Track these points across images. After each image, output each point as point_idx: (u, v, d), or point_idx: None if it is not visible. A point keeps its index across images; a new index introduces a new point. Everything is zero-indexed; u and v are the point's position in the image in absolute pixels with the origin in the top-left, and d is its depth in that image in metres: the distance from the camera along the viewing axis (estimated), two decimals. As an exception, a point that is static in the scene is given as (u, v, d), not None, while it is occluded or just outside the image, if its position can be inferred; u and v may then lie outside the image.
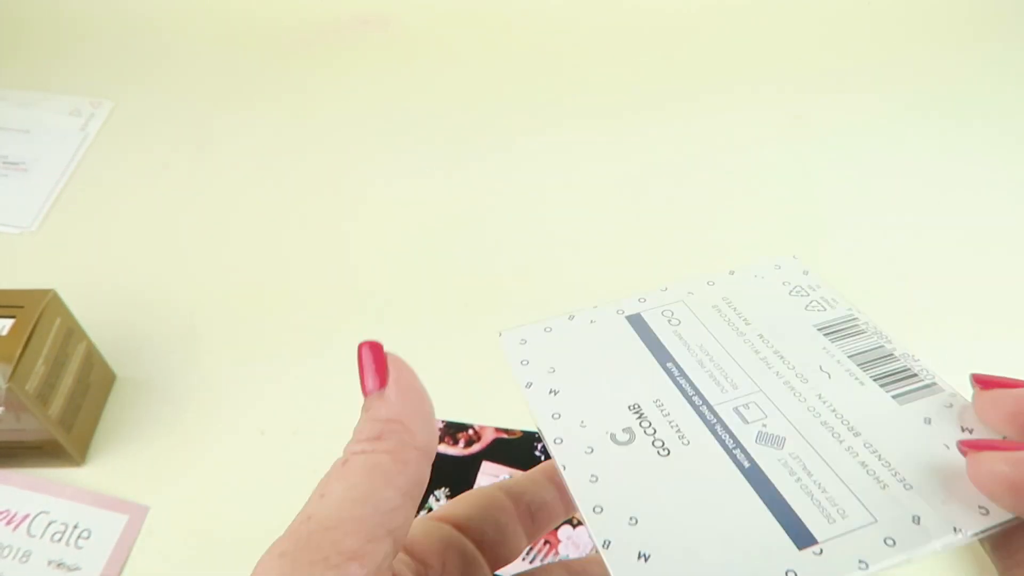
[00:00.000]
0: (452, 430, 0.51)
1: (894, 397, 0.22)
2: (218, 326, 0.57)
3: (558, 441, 0.21)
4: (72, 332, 0.48)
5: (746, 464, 0.20)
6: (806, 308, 0.25)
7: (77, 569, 0.45)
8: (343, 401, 0.53)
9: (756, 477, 0.20)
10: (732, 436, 0.21)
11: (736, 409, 0.21)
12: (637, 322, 0.24)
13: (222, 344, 0.56)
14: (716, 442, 0.21)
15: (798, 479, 0.20)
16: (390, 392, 0.21)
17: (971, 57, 0.78)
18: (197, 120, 0.72)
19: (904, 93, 0.74)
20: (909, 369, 0.23)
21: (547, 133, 0.71)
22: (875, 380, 0.23)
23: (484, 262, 0.61)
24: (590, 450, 0.20)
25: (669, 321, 0.24)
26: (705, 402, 0.22)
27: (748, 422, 0.21)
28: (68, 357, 0.47)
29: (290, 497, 0.49)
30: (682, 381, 0.22)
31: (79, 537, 0.46)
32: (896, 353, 0.24)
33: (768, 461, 0.20)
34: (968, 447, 0.19)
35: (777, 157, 0.69)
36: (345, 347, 0.55)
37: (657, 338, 0.24)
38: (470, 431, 0.51)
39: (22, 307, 0.44)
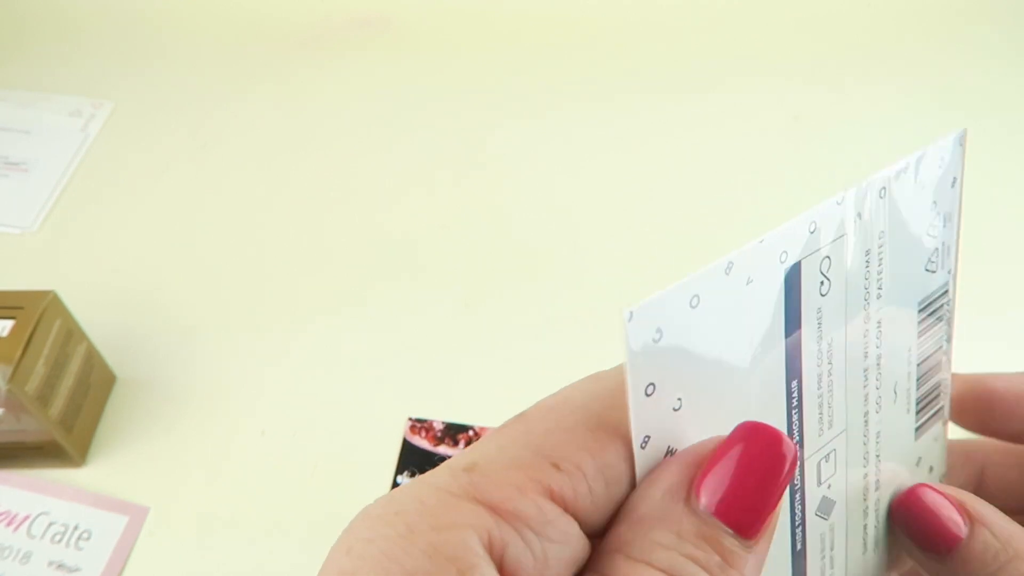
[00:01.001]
0: (452, 431, 0.51)
1: (915, 430, 0.20)
2: (219, 327, 0.57)
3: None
4: (72, 333, 0.48)
5: (798, 547, 0.17)
6: (927, 263, 0.20)
7: (77, 570, 0.45)
8: (344, 402, 0.53)
9: (798, 564, 0.17)
10: (802, 507, 0.17)
11: (819, 463, 0.17)
12: (792, 281, 0.16)
13: (223, 345, 0.56)
14: (788, 519, 0.16)
15: (823, 557, 0.17)
16: (759, 548, 0.14)
17: (972, 54, 0.78)
18: (198, 120, 0.72)
19: (905, 91, 0.74)
20: (940, 387, 0.21)
21: (549, 134, 0.71)
22: (916, 405, 0.20)
23: (485, 262, 0.61)
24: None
25: (821, 285, 0.17)
26: (800, 458, 0.17)
27: (820, 483, 0.17)
28: (68, 358, 0.47)
29: (291, 498, 0.50)
30: (795, 415, 0.17)
31: (79, 538, 0.46)
32: (943, 363, 0.21)
33: (813, 540, 0.17)
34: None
35: (777, 153, 0.69)
36: (345, 347, 0.55)
37: (799, 332, 0.17)
38: (471, 432, 0.51)
39: (22, 308, 0.44)
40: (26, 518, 0.47)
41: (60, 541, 0.46)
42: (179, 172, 0.68)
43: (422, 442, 0.51)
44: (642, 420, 0.14)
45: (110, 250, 0.62)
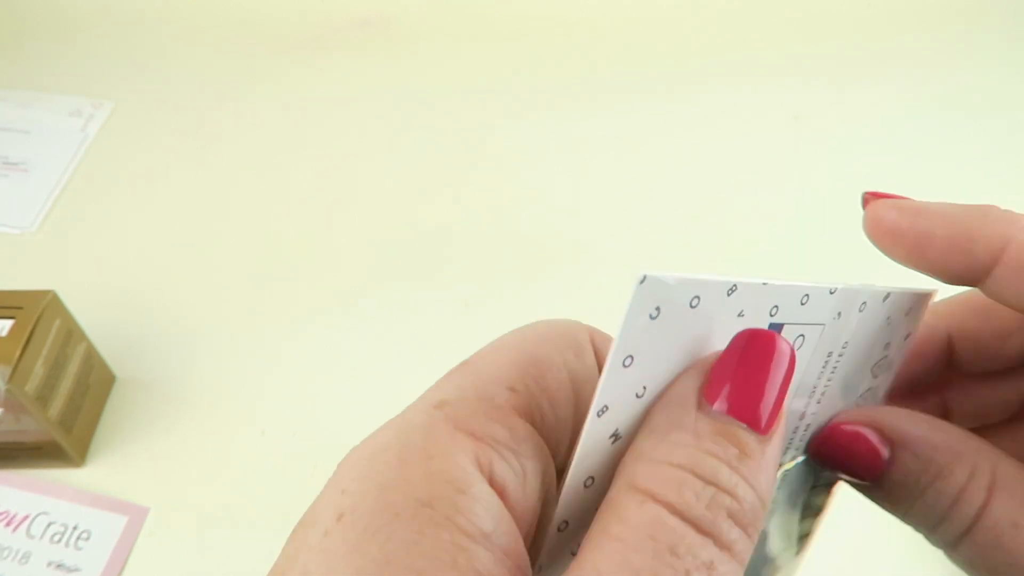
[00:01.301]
0: (452, 431, 0.51)
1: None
2: (218, 327, 0.57)
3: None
4: (72, 333, 0.48)
5: None
6: (872, 370, 0.21)
7: (77, 570, 0.45)
8: (344, 402, 0.53)
9: None
10: None
11: None
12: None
13: (223, 345, 0.56)
14: None
15: None
16: (775, 438, 0.14)
17: (972, 53, 0.77)
18: (198, 121, 0.72)
19: (905, 91, 0.74)
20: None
21: (549, 132, 0.71)
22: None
23: (486, 261, 0.61)
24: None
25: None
26: None
27: None
28: (68, 358, 0.47)
29: (291, 498, 0.49)
30: None
31: (79, 538, 0.46)
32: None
33: None
34: (868, 195, 0.18)
35: (777, 153, 0.69)
36: (346, 347, 0.55)
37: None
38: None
39: (21, 308, 0.44)
40: (25, 518, 0.47)
41: (59, 541, 0.46)
42: (179, 172, 0.68)
43: (422, 442, 0.51)
44: (608, 389, 0.14)
45: (110, 250, 0.62)
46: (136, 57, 0.78)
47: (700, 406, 0.14)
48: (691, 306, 0.15)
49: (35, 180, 0.66)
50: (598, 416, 0.14)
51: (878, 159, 0.69)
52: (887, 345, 0.21)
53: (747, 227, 0.63)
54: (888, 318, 0.20)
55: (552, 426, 0.16)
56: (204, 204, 0.65)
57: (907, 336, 0.21)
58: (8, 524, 0.46)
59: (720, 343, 0.15)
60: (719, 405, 0.14)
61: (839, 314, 0.18)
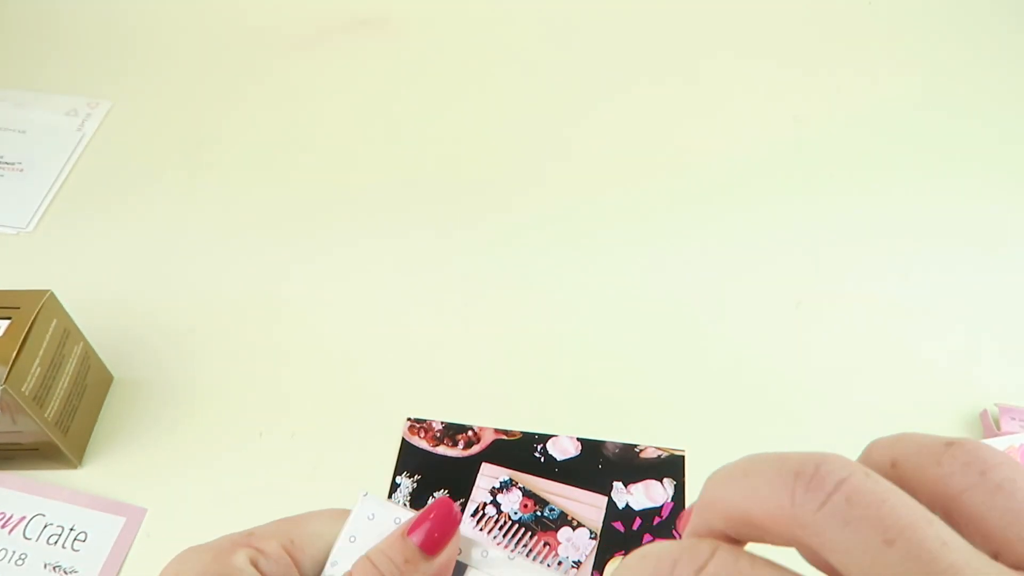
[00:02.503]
0: (451, 431, 0.51)
1: None
2: (216, 327, 0.56)
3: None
4: (69, 333, 0.47)
5: None
6: None
7: (74, 572, 0.45)
8: (341, 404, 0.53)
9: None
10: None
11: None
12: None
13: (220, 345, 0.55)
14: None
15: None
16: (439, 562, 0.23)
17: (972, 53, 0.77)
18: (195, 120, 0.72)
19: (903, 91, 0.74)
20: None
21: (548, 131, 0.71)
22: None
23: (483, 264, 0.61)
24: None
25: None
26: None
27: None
28: (65, 358, 0.47)
29: (288, 499, 0.49)
30: None
31: (76, 540, 0.46)
32: None
33: None
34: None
35: (776, 158, 0.69)
36: (344, 347, 0.55)
37: None
38: (469, 432, 0.51)
39: (18, 308, 0.44)
40: (22, 520, 0.46)
41: (56, 543, 0.46)
42: (176, 171, 0.68)
43: (421, 442, 0.51)
44: (338, 552, 0.25)
45: (107, 250, 0.62)
46: (133, 56, 0.78)
47: (403, 536, 0.23)
48: (394, 521, 0.25)
49: (31, 180, 0.66)
50: (331, 565, 0.24)
51: (876, 160, 0.69)
52: None
53: (742, 229, 0.63)
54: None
55: (308, 570, 0.24)
56: (201, 204, 0.65)
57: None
58: (4, 526, 0.46)
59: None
60: (414, 537, 0.23)
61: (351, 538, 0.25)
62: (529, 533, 0.47)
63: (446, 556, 0.23)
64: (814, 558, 0.16)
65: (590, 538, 0.47)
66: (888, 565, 0.13)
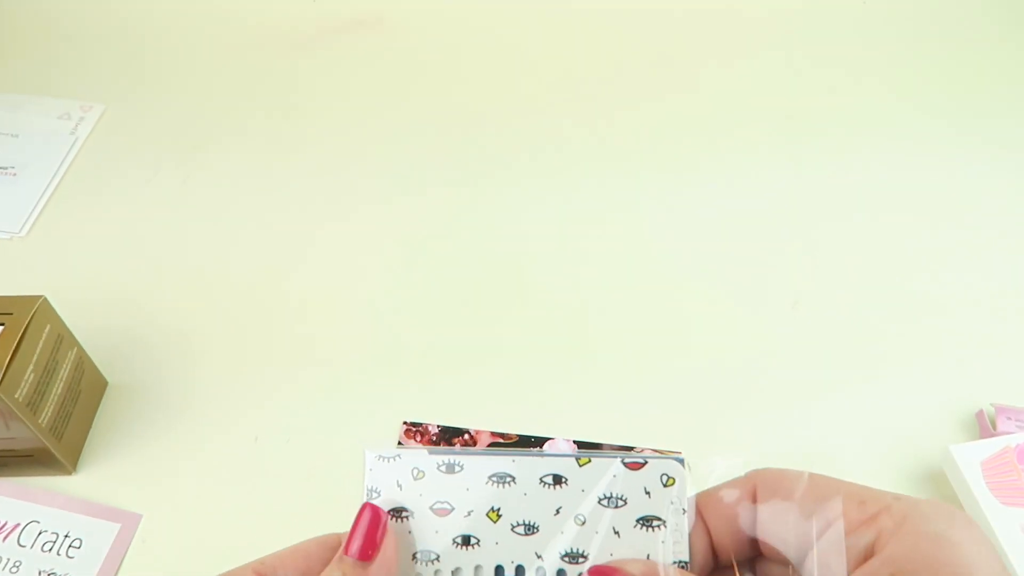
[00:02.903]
0: (448, 435, 0.51)
1: None
2: (211, 332, 0.56)
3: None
4: (62, 339, 0.47)
5: None
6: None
7: (68, 579, 0.44)
8: (337, 408, 0.52)
9: None
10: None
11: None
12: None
13: (215, 350, 0.55)
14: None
15: None
16: (374, 569, 0.24)
17: (968, 55, 0.78)
18: (188, 123, 0.72)
19: (901, 91, 0.74)
20: None
21: (545, 132, 0.71)
22: None
23: (481, 267, 0.61)
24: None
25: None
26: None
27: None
28: (58, 364, 0.47)
29: (283, 504, 0.49)
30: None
31: (70, 546, 0.46)
32: None
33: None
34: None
35: (770, 157, 0.69)
36: (339, 354, 0.55)
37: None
38: (465, 435, 0.51)
39: (11, 314, 0.44)
40: (16, 527, 0.46)
41: (51, 550, 0.45)
42: (170, 174, 0.67)
43: (417, 446, 0.51)
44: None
45: (101, 254, 0.61)
46: (126, 59, 0.77)
47: (340, 557, 0.24)
48: (415, 477, 0.25)
49: (24, 184, 0.66)
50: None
51: (875, 160, 0.69)
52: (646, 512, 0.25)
53: (740, 228, 0.63)
54: (642, 488, 0.25)
55: None
56: (195, 207, 0.65)
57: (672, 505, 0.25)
58: (-2, 533, 0.46)
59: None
60: (351, 551, 0.24)
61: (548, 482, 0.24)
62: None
63: (383, 557, 0.24)
64: None
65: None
66: None
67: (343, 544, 0.24)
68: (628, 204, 0.65)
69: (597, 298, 0.58)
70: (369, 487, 0.25)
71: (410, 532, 0.25)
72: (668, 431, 0.51)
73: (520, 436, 0.51)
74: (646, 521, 0.24)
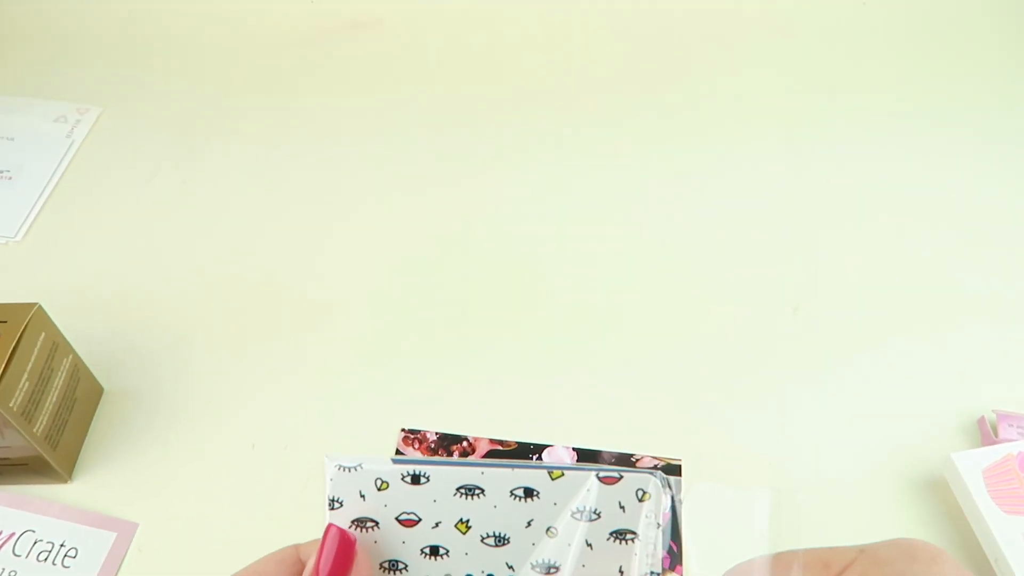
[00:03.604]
0: (446, 442, 0.51)
1: None
2: (208, 339, 0.56)
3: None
4: (57, 346, 0.47)
5: None
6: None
7: (64, 589, 0.44)
8: (335, 415, 0.52)
9: None
10: None
11: None
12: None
13: (212, 357, 0.55)
14: None
15: None
16: None
17: (969, 55, 0.77)
18: (185, 126, 0.71)
19: (899, 94, 0.74)
20: None
21: (543, 135, 0.70)
22: None
23: (477, 273, 0.60)
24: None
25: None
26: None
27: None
28: (53, 372, 0.46)
29: (280, 511, 0.49)
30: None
31: (66, 556, 0.45)
32: None
33: None
34: None
35: (770, 159, 0.68)
36: (337, 360, 0.55)
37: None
38: (464, 443, 0.51)
39: (5, 322, 0.43)
40: (11, 536, 0.46)
41: (46, 559, 0.45)
42: (167, 178, 0.67)
43: (415, 453, 0.50)
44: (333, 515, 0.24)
45: (97, 259, 0.61)
46: (122, 61, 0.77)
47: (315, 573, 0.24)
48: (377, 488, 0.24)
49: (20, 188, 0.65)
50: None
51: (873, 161, 0.68)
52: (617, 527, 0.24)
53: (735, 229, 0.63)
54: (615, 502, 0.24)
55: None
56: (192, 212, 0.64)
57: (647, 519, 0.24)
58: (-7, 542, 0.46)
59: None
60: (319, 571, 0.23)
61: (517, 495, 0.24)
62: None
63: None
64: None
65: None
66: None
67: (313, 567, 0.23)
68: (628, 206, 0.65)
69: (597, 302, 0.58)
70: (331, 497, 0.24)
71: (376, 542, 0.24)
72: (668, 437, 0.51)
73: (519, 443, 0.51)
74: (620, 535, 0.23)
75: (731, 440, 0.51)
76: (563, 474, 0.23)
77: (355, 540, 0.24)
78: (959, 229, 0.63)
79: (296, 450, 0.50)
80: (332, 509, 0.24)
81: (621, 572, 0.23)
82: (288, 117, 0.72)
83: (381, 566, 0.24)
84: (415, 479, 0.24)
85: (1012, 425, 0.49)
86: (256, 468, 0.50)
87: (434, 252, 0.61)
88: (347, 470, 0.24)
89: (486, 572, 0.24)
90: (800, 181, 0.67)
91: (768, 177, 0.67)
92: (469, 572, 0.24)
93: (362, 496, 0.24)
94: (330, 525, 0.24)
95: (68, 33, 0.79)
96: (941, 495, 0.48)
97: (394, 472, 0.24)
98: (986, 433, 0.50)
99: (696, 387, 0.53)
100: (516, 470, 0.23)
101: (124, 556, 0.46)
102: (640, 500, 0.23)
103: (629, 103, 0.73)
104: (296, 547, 0.25)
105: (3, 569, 0.45)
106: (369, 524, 0.24)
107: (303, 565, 0.25)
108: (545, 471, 0.23)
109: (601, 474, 0.23)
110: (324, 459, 0.24)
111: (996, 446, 0.47)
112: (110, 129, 0.71)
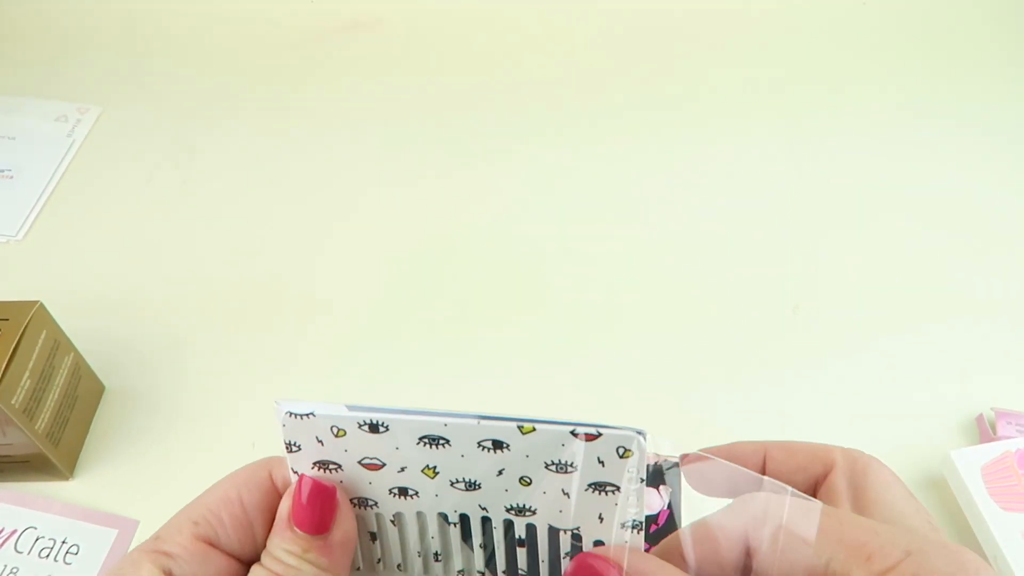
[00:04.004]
0: (446, 440, 0.51)
1: None
2: (208, 336, 0.56)
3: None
4: (59, 344, 0.47)
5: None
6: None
7: (65, 586, 0.44)
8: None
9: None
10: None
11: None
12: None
13: (213, 355, 0.55)
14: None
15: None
16: (337, 538, 0.22)
17: (969, 55, 0.77)
18: (185, 126, 0.71)
19: (899, 94, 0.74)
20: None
21: (543, 136, 0.70)
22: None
23: (475, 269, 0.60)
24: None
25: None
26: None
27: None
28: (55, 370, 0.46)
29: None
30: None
31: (67, 553, 0.45)
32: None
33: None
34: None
35: (770, 158, 0.69)
36: (337, 356, 0.55)
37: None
38: (464, 440, 0.51)
39: (7, 320, 0.44)
40: (12, 533, 0.46)
41: (48, 556, 0.45)
42: (167, 178, 0.67)
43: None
44: (291, 460, 0.23)
45: (98, 258, 0.61)
46: (122, 61, 0.77)
47: (289, 527, 0.22)
48: (334, 433, 0.22)
49: (21, 187, 0.66)
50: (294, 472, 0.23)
51: (871, 162, 0.68)
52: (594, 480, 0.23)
53: (732, 229, 0.63)
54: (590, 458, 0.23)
55: (227, 543, 0.23)
56: (193, 211, 0.65)
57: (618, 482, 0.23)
58: (-5, 539, 0.46)
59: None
60: (296, 523, 0.22)
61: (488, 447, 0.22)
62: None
63: (341, 530, 0.23)
64: None
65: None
66: None
67: (288, 513, 0.22)
68: (628, 204, 0.65)
69: (597, 299, 0.58)
70: (288, 441, 0.23)
71: (341, 482, 0.23)
72: (668, 435, 0.51)
73: (519, 441, 0.51)
74: (599, 486, 0.22)
75: (731, 438, 0.51)
76: (534, 429, 0.22)
77: (335, 489, 0.22)
78: (959, 228, 0.63)
79: (297, 448, 0.50)
80: (290, 452, 0.23)
81: (601, 519, 0.22)
82: (288, 117, 0.72)
83: (351, 502, 0.23)
84: (373, 427, 0.22)
85: (1010, 423, 0.49)
86: (257, 466, 0.50)
87: (434, 251, 0.62)
88: (299, 417, 0.22)
89: (458, 512, 0.23)
90: (800, 181, 0.67)
91: (768, 177, 0.67)
92: (442, 510, 0.23)
93: (319, 441, 0.22)
94: (302, 476, 0.23)
95: (68, 33, 0.79)
96: (940, 493, 0.48)
97: (349, 419, 0.22)
98: (984, 431, 0.50)
99: (696, 385, 0.54)
100: (482, 422, 0.22)
101: (125, 553, 0.46)
102: (621, 457, 0.22)
103: (630, 99, 0.73)
104: (268, 465, 0.24)
105: (5, 566, 0.45)
106: (332, 466, 0.23)
107: (275, 487, 0.24)
108: (515, 424, 0.22)
109: (577, 431, 0.22)
110: (274, 403, 0.23)
111: (994, 443, 0.47)
112: (110, 129, 0.71)
